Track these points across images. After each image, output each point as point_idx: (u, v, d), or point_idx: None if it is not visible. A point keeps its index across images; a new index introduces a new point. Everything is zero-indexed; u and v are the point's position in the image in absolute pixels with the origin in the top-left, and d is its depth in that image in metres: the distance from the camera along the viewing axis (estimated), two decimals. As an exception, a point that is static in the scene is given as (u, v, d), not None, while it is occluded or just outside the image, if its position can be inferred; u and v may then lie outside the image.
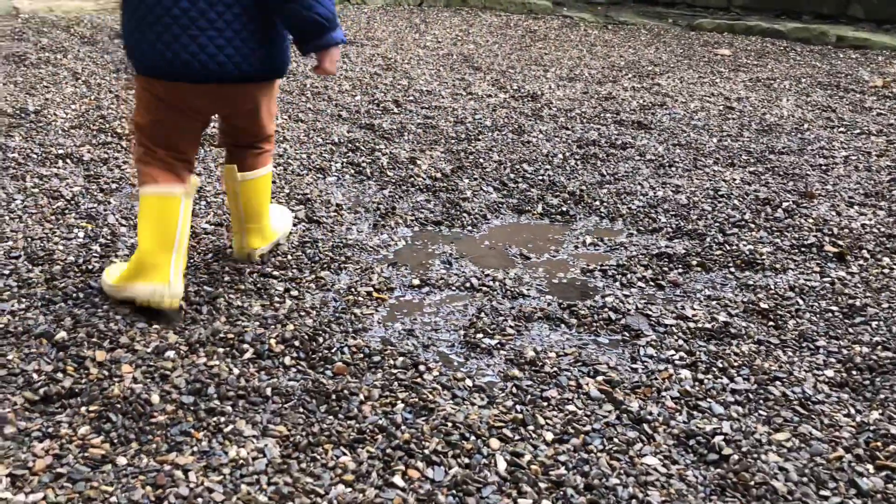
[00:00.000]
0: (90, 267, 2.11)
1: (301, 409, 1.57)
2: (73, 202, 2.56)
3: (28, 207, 2.50)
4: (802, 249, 2.49)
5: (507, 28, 6.44)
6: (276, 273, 2.17)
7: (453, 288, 2.19)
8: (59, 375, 1.62)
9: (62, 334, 1.75)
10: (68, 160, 2.96)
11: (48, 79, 4.07)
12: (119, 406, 1.51)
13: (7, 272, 2.05)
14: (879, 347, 1.91)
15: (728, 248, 2.49)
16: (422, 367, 1.75)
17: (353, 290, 2.11)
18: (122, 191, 2.73)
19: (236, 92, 1.93)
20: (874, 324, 2.03)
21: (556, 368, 1.79)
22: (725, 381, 1.77)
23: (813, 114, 4.16)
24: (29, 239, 2.26)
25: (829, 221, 2.69)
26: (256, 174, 2.13)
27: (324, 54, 1.92)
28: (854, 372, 1.82)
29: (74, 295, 1.94)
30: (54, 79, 4.08)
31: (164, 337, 1.79)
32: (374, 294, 2.10)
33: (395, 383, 1.68)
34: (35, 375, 1.62)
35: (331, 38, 1.89)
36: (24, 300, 1.91)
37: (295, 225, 2.52)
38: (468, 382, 1.72)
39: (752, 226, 2.66)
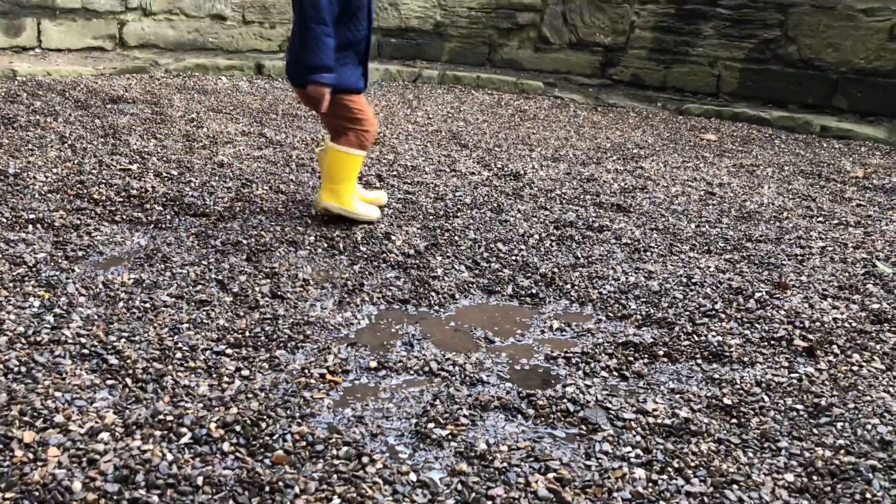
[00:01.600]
0: (38, 339, 2.06)
1: (231, 502, 1.50)
2: (34, 269, 2.53)
3: (-12, 273, 2.47)
4: (772, 342, 2.45)
5: (498, 107, 6.55)
6: (229, 351, 2.13)
7: (411, 372, 2.14)
8: (-18, 456, 1.55)
9: (-6, 411, 1.69)
10: (38, 225, 2.95)
11: (34, 141, 4.10)
12: (37, 493, 1.44)
13: (-48, 341, 2.00)
14: (842, 451, 1.85)
15: (696, 338, 2.45)
16: (365, 459, 1.69)
17: (306, 371, 2.06)
18: (88, 259, 2.70)
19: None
20: (839, 425, 1.98)
21: (506, 464, 1.72)
22: (681, 482, 1.70)
23: (793, 202, 4.18)
24: (-18, 306, 2.22)
25: (802, 314, 2.66)
26: (330, 146, 3.18)
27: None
28: (815, 477, 1.76)
29: (16, 369, 1.89)
30: (41, 142, 4.11)
31: (101, 416, 1.73)
32: (328, 376, 2.05)
33: (335, 476, 1.61)
34: (-41, 455, 1.55)
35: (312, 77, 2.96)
36: (-38, 372, 1.86)
37: (258, 301, 2.48)
38: (412, 477, 1.65)
39: (723, 316, 2.63)
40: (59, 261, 2.64)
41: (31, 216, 3.00)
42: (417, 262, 2.94)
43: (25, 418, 1.69)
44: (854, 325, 2.59)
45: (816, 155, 5.46)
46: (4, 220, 2.95)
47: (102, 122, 4.65)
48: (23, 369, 1.89)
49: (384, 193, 3.62)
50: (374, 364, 2.15)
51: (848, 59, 6.50)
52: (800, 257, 3.29)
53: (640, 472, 1.73)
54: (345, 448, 1.72)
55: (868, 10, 6.35)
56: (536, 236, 3.35)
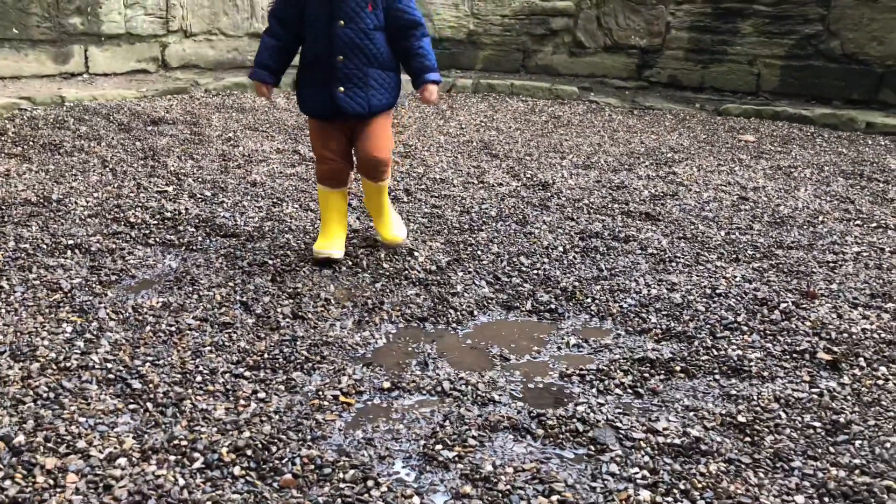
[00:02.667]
0: (68, 364, 2.16)
1: (236, 526, 1.56)
2: (69, 294, 2.65)
3: (26, 300, 2.60)
4: (794, 356, 2.41)
5: (531, 114, 6.55)
6: (247, 373, 2.19)
7: (424, 392, 2.17)
8: (7, 483, 1.64)
9: (20, 438, 1.79)
10: (76, 250, 3.08)
11: (78, 167, 4.28)
12: (54, 519, 1.52)
13: (-11, 368, 2.11)
14: (857, 471, 1.81)
15: (716, 352, 2.42)
16: (371, 482, 1.73)
17: (320, 393, 2.11)
18: (121, 283, 2.82)
19: None
20: (857, 443, 1.93)
21: (509, 486, 1.74)
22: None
23: (830, 205, 4.08)
24: (18, 333, 2.34)
25: (828, 325, 2.60)
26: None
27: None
28: (826, 499, 1.73)
29: (45, 395, 1.99)
30: (84, 166, 4.28)
31: (121, 441, 1.81)
32: (342, 398, 2.10)
33: (339, 500, 1.66)
34: (-13, 480, 1.65)
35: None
36: (-5, 399, 1.96)
37: (279, 322, 2.55)
38: (415, 501, 1.68)
39: (745, 328, 2.59)
40: (94, 286, 2.75)
41: (70, 242, 3.14)
42: (438, 278, 2.97)
43: (49, 444, 1.78)
44: (883, 336, 2.52)
45: (860, 153, 5.30)
46: (45, 245, 3.09)
47: (143, 145, 4.82)
48: (51, 395, 1.99)
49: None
50: (387, 384, 2.19)
51: (894, 52, 6.29)
52: (832, 264, 3.21)
53: (644, 494, 1.72)
54: (352, 471, 1.76)
55: (913, 1, 6.15)
56: (560, 248, 3.34)
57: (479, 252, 3.26)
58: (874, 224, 3.76)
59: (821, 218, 3.85)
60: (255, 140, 5.13)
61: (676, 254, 3.31)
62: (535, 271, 3.08)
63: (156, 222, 3.46)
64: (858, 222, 3.79)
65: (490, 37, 7.84)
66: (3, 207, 3.53)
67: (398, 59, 2.98)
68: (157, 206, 3.66)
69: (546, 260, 3.21)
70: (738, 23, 6.98)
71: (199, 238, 3.30)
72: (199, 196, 3.86)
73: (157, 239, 3.27)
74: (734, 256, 3.30)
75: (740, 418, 2.04)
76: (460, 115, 6.37)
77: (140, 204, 3.68)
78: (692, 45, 7.23)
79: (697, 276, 3.07)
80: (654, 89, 7.41)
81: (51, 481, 1.66)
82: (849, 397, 2.16)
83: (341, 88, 2.85)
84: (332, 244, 3.05)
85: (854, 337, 2.52)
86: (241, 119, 5.76)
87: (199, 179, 4.16)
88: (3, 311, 2.50)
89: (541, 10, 7.74)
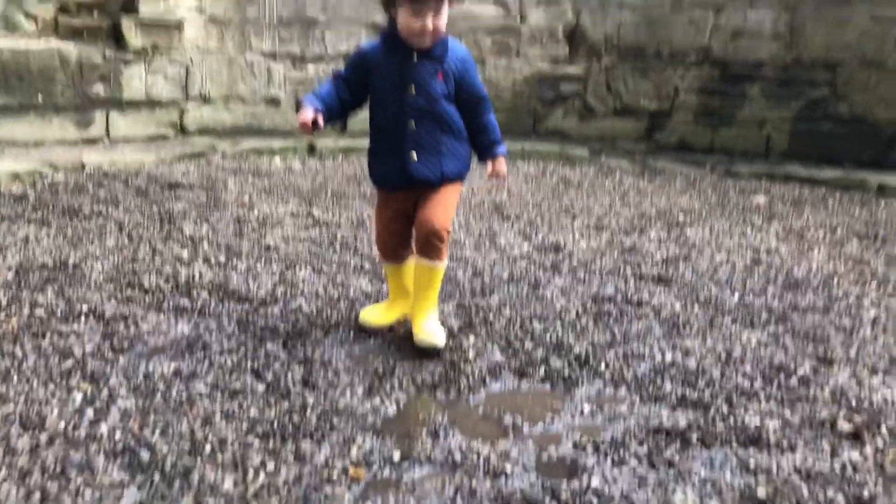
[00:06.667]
0: (77, 434, 2.15)
1: None
2: (80, 362, 2.65)
3: (38, 367, 2.60)
4: (814, 425, 2.35)
5: (542, 176, 6.61)
6: (257, 443, 2.17)
7: (435, 464, 2.13)
8: (10, 559, 1.62)
9: (26, 511, 1.77)
10: (91, 316, 3.09)
11: (95, 231, 4.34)
12: None
13: (-2, 438, 2.11)
14: (884, 550, 1.75)
15: (733, 421, 2.37)
16: (379, 559, 1.68)
17: (329, 463, 2.08)
18: (133, 349, 2.82)
19: None
20: (882, 520, 1.87)
21: (522, 564, 1.69)
22: (706, 585, 1.63)
23: (845, 267, 4.05)
24: (29, 402, 2.34)
25: (848, 392, 2.55)
26: None
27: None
28: (853, 580, 1.66)
29: (52, 467, 1.97)
30: (101, 231, 4.34)
31: (127, 515, 1.78)
32: (351, 470, 2.06)
33: (347, 578, 1.61)
34: (-10, 556, 1.62)
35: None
36: (2, 470, 1.95)
37: (289, 389, 2.53)
38: (425, 578, 1.63)
39: (762, 396, 2.54)
40: (106, 352, 2.76)
41: (85, 307, 3.16)
42: (450, 343, 2.95)
43: (54, 519, 1.75)
44: (904, 404, 2.47)
45: (873, 215, 5.29)
46: (60, 311, 3.12)
47: (159, 209, 4.89)
48: (58, 468, 1.98)
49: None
50: (397, 456, 2.15)
51: (902, 114, 6.34)
52: (848, 329, 3.16)
53: (662, 574, 1.67)
54: (360, 547, 1.72)
55: (919, 65, 6.22)
56: (573, 312, 3.32)
57: (490, 316, 3.25)
58: (890, 287, 3.72)
59: (836, 280, 3.81)
60: (269, 204, 5.20)
61: (690, 318, 3.28)
62: (549, 336, 3.06)
63: (170, 287, 3.48)
64: (874, 285, 3.75)
65: (501, 101, 7.97)
66: (21, 273, 3.57)
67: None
68: (171, 270, 3.69)
69: (559, 324, 3.19)
70: (746, 86, 7.08)
71: (212, 303, 3.31)
72: (213, 260, 3.89)
73: (171, 304, 3.28)
74: (749, 320, 3.27)
75: (760, 492, 1.99)
76: (471, 179, 6.43)
77: (155, 268, 3.72)
78: (701, 108, 7.32)
79: (712, 340, 3.03)
80: (664, 151, 7.48)
81: (54, 558, 1.63)
82: (871, 470, 2.10)
83: (414, 155, 2.81)
84: (379, 313, 3.08)
85: (875, 405, 2.46)
86: (256, 183, 5.85)
87: (214, 244, 4.20)
88: (15, 378, 2.51)
89: (551, 75, 7.89)
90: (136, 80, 6.81)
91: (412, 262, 3.00)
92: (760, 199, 5.76)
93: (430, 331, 2.88)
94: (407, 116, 2.79)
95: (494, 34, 7.99)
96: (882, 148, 6.45)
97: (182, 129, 7.16)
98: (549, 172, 6.77)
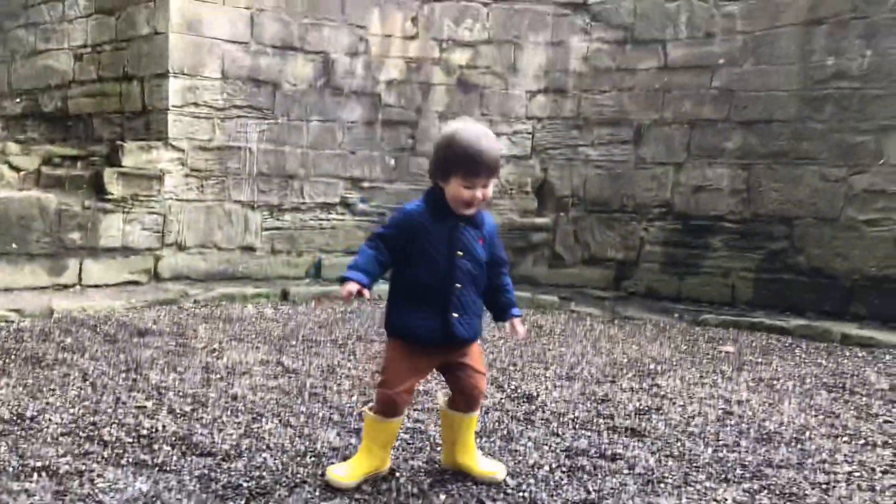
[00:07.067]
0: None
1: None
2: (28, 525, 2.51)
3: (-18, 530, 2.45)
4: (796, 592, 2.27)
5: (514, 323, 6.65)
6: None
7: None
8: None
9: None
10: (43, 473, 2.96)
11: (57, 380, 4.23)
12: None
13: None
14: None
15: (713, 588, 2.28)
16: None
17: None
18: (86, 509, 2.68)
19: None
20: None
21: None
22: None
23: (816, 419, 4.05)
24: (-33, 570, 2.18)
25: (828, 555, 2.48)
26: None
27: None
28: None
29: None
30: (63, 380, 4.24)
31: None
32: None
33: None
34: None
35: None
36: None
37: (249, 553, 2.40)
38: None
39: (742, 559, 2.46)
40: (56, 513, 2.62)
41: (38, 464, 3.03)
42: (421, 502, 2.85)
43: None
44: (886, 567, 2.40)
45: (839, 365, 5.37)
46: (11, 468, 2.98)
47: (126, 357, 4.81)
48: None
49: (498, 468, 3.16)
50: None
51: (858, 267, 6.60)
52: (824, 485, 3.13)
53: None
54: None
55: (870, 221, 6.56)
56: (546, 468, 3.25)
57: (461, 474, 3.16)
58: (862, 441, 3.71)
59: (808, 434, 3.80)
60: (239, 351, 5.15)
61: (665, 473, 3.22)
62: (521, 494, 2.97)
63: (131, 440, 3.36)
64: (846, 438, 3.75)
65: (473, 250, 8.21)
66: (-26, 425, 3.44)
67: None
68: (133, 422, 3.58)
69: (532, 481, 3.11)
70: (709, 238, 7.36)
71: (174, 457, 3.20)
72: (178, 411, 3.79)
73: (130, 459, 3.16)
74: (723, 476, 3.22)
75: None
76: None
77: (116, 420, 3.60)
78: (666, 258, 7.56)
79: (687, 498, 2.97)
80: (632, 299, 7.63)
81: None
82: None
83: (455, 315, 2.93)
84: (345, 472, 2.98)
85: (856, 569, 2.39)
86: (227, 329, 5.81)
87: (180, 393, 4.11)
88: (-44, 543, 2.35)
89: (520, 225, 8.17)
90: (113, 229, 6.90)
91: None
92: (729, 348, 5.84)
93: (491, 468, 3.12)
94: (454, 279, 2.95)
95: (467, 186, 8.32)
96: (843, 299, 6.65)
97: (156, 276, 7.19)
98: (522, 319, 6.82)
